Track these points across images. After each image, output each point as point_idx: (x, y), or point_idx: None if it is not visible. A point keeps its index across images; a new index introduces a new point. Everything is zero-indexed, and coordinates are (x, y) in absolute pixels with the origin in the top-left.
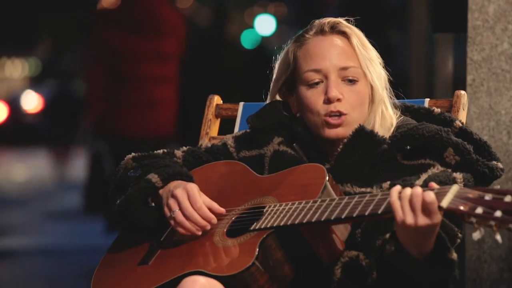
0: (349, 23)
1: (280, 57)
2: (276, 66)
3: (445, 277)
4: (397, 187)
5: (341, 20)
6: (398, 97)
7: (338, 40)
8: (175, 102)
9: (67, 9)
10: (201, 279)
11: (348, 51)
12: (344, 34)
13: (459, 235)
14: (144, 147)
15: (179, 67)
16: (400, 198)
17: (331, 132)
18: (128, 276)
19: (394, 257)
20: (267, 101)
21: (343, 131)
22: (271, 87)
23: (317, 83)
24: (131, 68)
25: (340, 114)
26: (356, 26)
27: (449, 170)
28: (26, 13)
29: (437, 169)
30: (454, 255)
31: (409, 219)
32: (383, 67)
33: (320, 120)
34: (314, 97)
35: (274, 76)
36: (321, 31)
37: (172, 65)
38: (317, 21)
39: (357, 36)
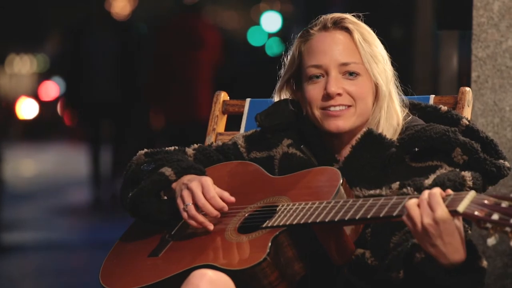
0: (358, 19)
1: (289, 52)
2: (285, 60)
3: (476, 285)
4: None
5: (347, 16)
6: (406, 93)
7: (340, 36)
8: (210, 97)
9: (75, 5)
10: (210, 273)
11: (350, 47)
12: (346, 30)
13: (469, 231)
14: (187, 128)
15: (213, 71)
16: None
17: (331, 124)
18: (137, 267)
19: (423, 265)
20: (275, 96)
21: (343, 123)
22: (278, 82)
23: (317, 77)
24: (180, 72)
25: (342, 106)
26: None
27: (457, 170)
28: (34, 10)
29: (445, 169)
30: (485, 263)
31: (417, 220)
32: (391, 63)
33: (320, 113)
34: (315, 91)
35: (282, 70)
36: (324, 27)
37: (208, 69)
38: (322, 17)
39: (360, 32)
